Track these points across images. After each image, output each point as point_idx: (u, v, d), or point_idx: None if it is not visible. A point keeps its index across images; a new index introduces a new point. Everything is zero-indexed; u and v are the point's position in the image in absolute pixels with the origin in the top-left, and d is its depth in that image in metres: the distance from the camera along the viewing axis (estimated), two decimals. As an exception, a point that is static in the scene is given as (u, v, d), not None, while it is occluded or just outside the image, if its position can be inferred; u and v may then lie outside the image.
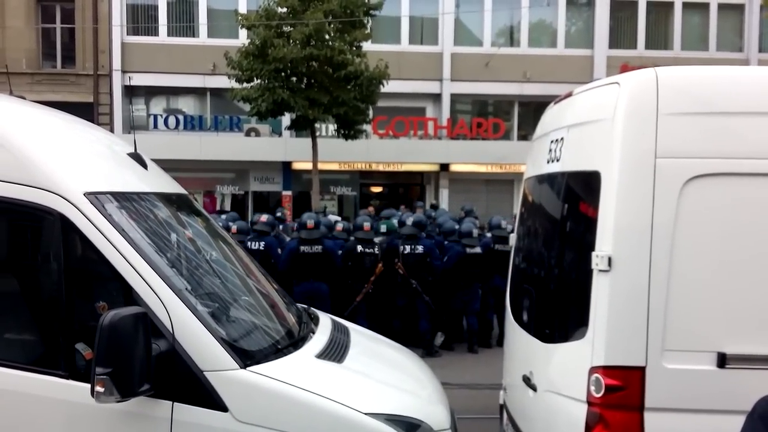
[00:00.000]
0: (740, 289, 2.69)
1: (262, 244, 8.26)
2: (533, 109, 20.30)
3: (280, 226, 10.16)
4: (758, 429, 1.83)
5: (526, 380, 3.47)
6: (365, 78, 15.00)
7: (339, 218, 11.49)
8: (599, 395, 2.71)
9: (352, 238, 8.64)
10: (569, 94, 3.50)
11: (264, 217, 8.69)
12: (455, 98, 21.41)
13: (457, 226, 9.08)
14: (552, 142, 3.50)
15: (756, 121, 2.74)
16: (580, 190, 3.17)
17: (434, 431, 2.85)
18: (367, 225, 8.44)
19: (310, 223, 8.07)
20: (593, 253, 2.75)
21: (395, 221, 9.54)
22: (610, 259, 2.69)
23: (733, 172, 2.70)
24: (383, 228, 9.02)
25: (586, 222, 2.97)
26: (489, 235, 9.26)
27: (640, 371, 2.67)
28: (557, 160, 3.39)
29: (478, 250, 8.60)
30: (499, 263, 8.09)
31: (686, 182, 2.69)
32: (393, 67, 15.68)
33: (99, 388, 2.27)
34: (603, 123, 2.88)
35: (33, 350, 2.72)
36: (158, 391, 2.46)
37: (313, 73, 15.01)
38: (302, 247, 7.90)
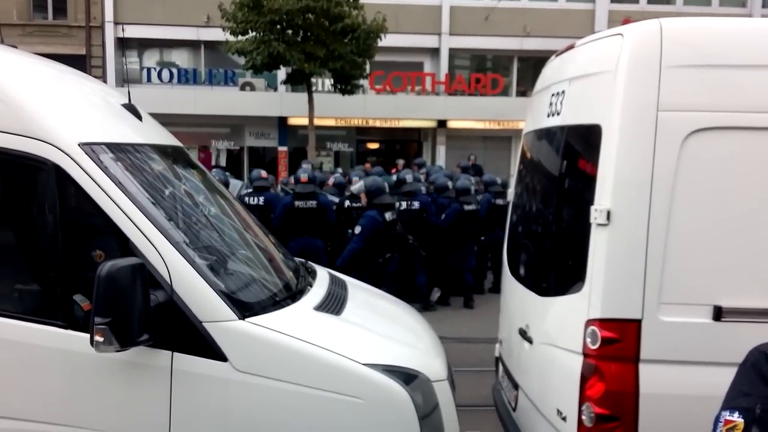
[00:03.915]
0: (738, 244, 2.69)
1: (262, 199, 8.26)
2: (533, 65, 20.03)
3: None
4: (750, 377, 1.87)
5: (523, 333, 3.50)
6: (362, 31, 14.75)
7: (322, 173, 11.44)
8: (595, 347, 2.74)
9: (347, 193, 8.62)
10: (571, 46, 3.44)
11: (264, 173, 8.75)
12: (454, 53, 21.10)
13: (450, 183, 9.05)
14: (553, 95, 3.46)
15: (761, 75, 2.70)
16: (580, 144, 3.14)
17: (432, 382, 2.88)
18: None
19: (304, 177, 8.03)
20: (592, 207, 2.74)
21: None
22: (609, 213, 2.68)
23: (735, 125, 2.67)
24: None
25: (585, 176, 2.95)
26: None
27: (636, 324, 2.69)
28: (557, 114, 3.35)
29: (474, 206, 8.62)
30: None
31: (688, 136, 2.66)
32: (391, 21, 15.40)
33: (98, 338, 2.28)
34: (605, 75, 2.83)
35: (31, 301, 2.72)
36: (158, 342, 2.47)
37: (309, 25, 14.71)
38: (296, 202, 7.86)
